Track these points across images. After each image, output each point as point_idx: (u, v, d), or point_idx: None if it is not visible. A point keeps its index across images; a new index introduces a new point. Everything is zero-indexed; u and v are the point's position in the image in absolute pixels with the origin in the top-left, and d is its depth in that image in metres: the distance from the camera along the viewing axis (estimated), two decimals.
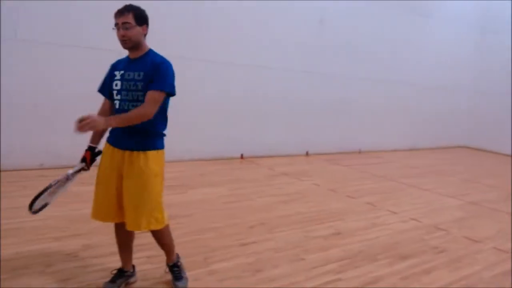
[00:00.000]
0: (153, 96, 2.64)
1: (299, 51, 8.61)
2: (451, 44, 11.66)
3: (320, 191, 6.24)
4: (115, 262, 3.24)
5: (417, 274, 3.70)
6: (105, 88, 2.87)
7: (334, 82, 9.33)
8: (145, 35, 2.76)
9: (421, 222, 5.15)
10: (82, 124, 2.42)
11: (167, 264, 3.12)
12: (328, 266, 3.68)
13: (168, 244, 3.05)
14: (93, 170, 2.88)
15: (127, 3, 2.74)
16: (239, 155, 8.14)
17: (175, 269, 3.09)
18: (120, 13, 2.64)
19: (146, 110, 2.62)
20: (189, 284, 3.15)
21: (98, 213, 2.87)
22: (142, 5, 2.77)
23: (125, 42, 2.66)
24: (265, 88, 8.28)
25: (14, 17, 5.59)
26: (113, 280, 2.96)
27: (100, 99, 2.96)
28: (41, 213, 4.21)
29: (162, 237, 2.99)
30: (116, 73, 2.77)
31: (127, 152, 2.73)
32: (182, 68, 7.04)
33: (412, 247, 4.31)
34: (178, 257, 3.17)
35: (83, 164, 2.84)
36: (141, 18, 2.69)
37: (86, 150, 2.87)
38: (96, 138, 2.90)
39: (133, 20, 2.64)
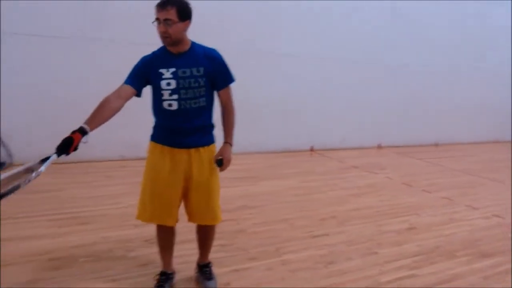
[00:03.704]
0: (230, 94, 2.72)
1: (371, 42, 8.38)
2: None
3: (393, 185, 6.07)
4: (190, 250, 3.37)
5: (500, 273, 3.48)
6: (137, 81, 2.58)
7: (409, 73, 8.99)
8: (186, 29, 2.55)
9: (505, 219, 4.84)
10: (225, 167, 2.66)
11: (199, 264, 3.05)
12: (402, 261, 3.58)
13: (213, 240, 3.01)
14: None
15: None
16: (308, 148, 8.11)
17: (206, 270, 3.01)
18: (161, 7, 2.41)
19: (233, 110, 2.74)
20: (262, 273, 3.21)
21: (158, 217, 2.74)
22: None
23: (166, 38, 2.46)
24: (336, 80, 8.15)
25: (80, 16, 5.94)
26: (161, 285, 2.85)
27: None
28: (123, 201, 4.55)
29: (214, 232, 2.96)
30: (163, 71, 2.54)
31: (193, 150, 2.66)
32: (253, 61, 7.22)
33: (494, 245, 4.06)
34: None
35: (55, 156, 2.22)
36: (184, 13, 2.46)
37: (76, 132, 2.24)
38: (97, 121, 2.38)
39: (175, 16, 2.41)
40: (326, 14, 7.78)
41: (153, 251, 3.42)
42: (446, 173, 7.05)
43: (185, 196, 2.75)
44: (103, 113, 2.42)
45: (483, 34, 9.85)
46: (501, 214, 4.99)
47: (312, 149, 8.12)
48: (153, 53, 2.62)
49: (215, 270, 3.11)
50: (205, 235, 2.95)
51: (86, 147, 6.68)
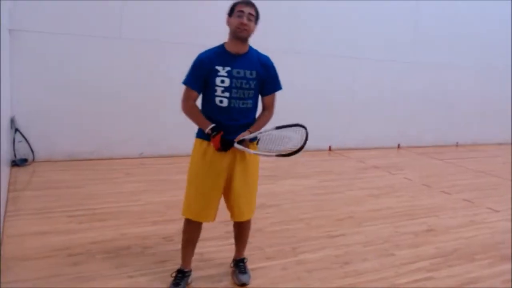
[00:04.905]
0: (274, 100, 2.96)
1: (391, 41, 8.27)
2: None
3: (412, 186, 5.99)
4: (208, 247, 3.43)
5: None
6: (199, 83, 2.76)
7: (429, 71, 8.85)
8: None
9: None
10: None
11: (236, 259, 3.14)
12: (419, 263, 3.54)
13: (248, 236, 3.14)
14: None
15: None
16: (327, 147, 8.07)
17: (241, 264, 3.11)
18: (249, 4, 2.71)
19: (272, 114, 2.95)
20: (278, 272, 3.23)
21: (201, 214, 2.85)
22: None
23: (243, 31, 2.67)
24: (355, 79, 8.09)
25: (118, 17, 6.02)
26: (177, 283, 2.89)
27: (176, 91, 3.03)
28: (142, 198, 4.62)
29: (249, 228, 3.10)
30: (219, 68, 2.71)
31: None
32: (272, 59, 7.20)
33: None
34: None
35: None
36: (258, 17, 2.78)
37: (216, 131, 2.69)
38: (206, 119, 2.78)
39: (255, 16, 2.73)
40: (345, 13, 7.71)
41: (171, 249, 3.47)
42: (467, 174, 6.93)
43: (227, 191, 2.86)
44: (201, 113, 2.79)
45: (506, 28, 9.64)
46: None
47: (330, 149, 8.07)
48: (211, 50, 2.80)
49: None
50: (241, 231, 3.08)
51: (106, 145, 6.79)
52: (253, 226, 3.98)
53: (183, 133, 5.64)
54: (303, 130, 2.62)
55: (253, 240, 3.72)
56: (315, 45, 7.55)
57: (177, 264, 3.05)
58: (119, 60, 6.11)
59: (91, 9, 5.84)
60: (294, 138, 2.63)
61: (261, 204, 4.62)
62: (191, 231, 2.95)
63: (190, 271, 3.01)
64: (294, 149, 2.56)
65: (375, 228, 4.27)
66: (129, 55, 6.16)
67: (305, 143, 2.56)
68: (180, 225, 3.92)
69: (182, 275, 2.94)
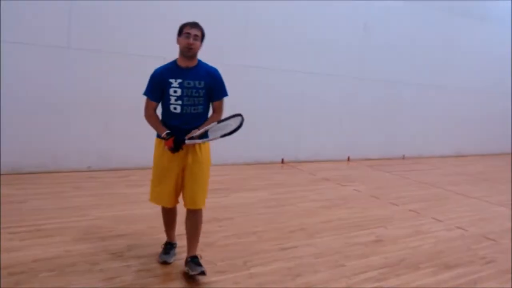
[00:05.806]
0: (221, 105, 3.34)
1: (341, 56, 8.53)
2: (501, 47, 11.21)
3: (362, 197, 6.15)
4: (158, 263, 3.34)
5: (464, 284, 3.57)
6: (157, 94, 3.21)
7: (378, 86, 9.18)
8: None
9: (468, 231, 4.98)
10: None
11: (191, 256, 3.27)
12: (369, 273, 3.62)
13: (199, 230, 3.37)
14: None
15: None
16: (279, 160, 8.15)
17: (195, 259, 3.25)
18: (194, 26, 3.15)
19: (220, 116, 3.29)
20: (230, 286, 3.20)
21: (160, 199, 3.35)
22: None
23: (190, 50, 3.11)
24: (307, 93, 8.25)
25: (65, 26, 5.87)
26: (167, 252, 3.48)
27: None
28: (90, 213, 4.47)
29: (200, 221, 3.36)
30: (172, 80, 3.14)
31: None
32: (223, 74, 7.23)
33: (457, 256, 4.18)
34: None
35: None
36: (204, 36, 3.23)
37: (170, 135, 3.11)
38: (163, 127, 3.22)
39: (200, 36, 3.18)
40: (295, 28, 7.88)
41: (121, 265, 3.38)
42: (413, 186, 7.20)
43: (182, 180, 3.27)
44: (160, 122, 3.26)
45: (450, 48, 10.20)
46: (464, 226, 5.13)
47: (283, 162, 8.16)
48: (165, 66, 3.25)
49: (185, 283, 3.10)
50: (193, 223, 3.32)
51: (53, 158, 6.55)
52: (205, 240, 3.97)
53: (132, 146, 5.60)
54: (239, 117, 3.06)
55: (204, 254, 3.68)
56: (266, 60, 7.64)
57: (125, 281, 3.03)
58: (66, 70, 5.92)
59: (36, 17, 5.65)
60: (232, 125, 3.07)
61: (213, 218, 4.61)
62: (166, 214, 3.48)
63: (176, 243, 3.59)
64: (229, 130, 3.03)
65: (326, 239, 4.34)
66: (76, 66, 5.98)
67: (239, 126, 3.04)
68: (129, 241, 3.85)
69: (170, 246, 3.54)
